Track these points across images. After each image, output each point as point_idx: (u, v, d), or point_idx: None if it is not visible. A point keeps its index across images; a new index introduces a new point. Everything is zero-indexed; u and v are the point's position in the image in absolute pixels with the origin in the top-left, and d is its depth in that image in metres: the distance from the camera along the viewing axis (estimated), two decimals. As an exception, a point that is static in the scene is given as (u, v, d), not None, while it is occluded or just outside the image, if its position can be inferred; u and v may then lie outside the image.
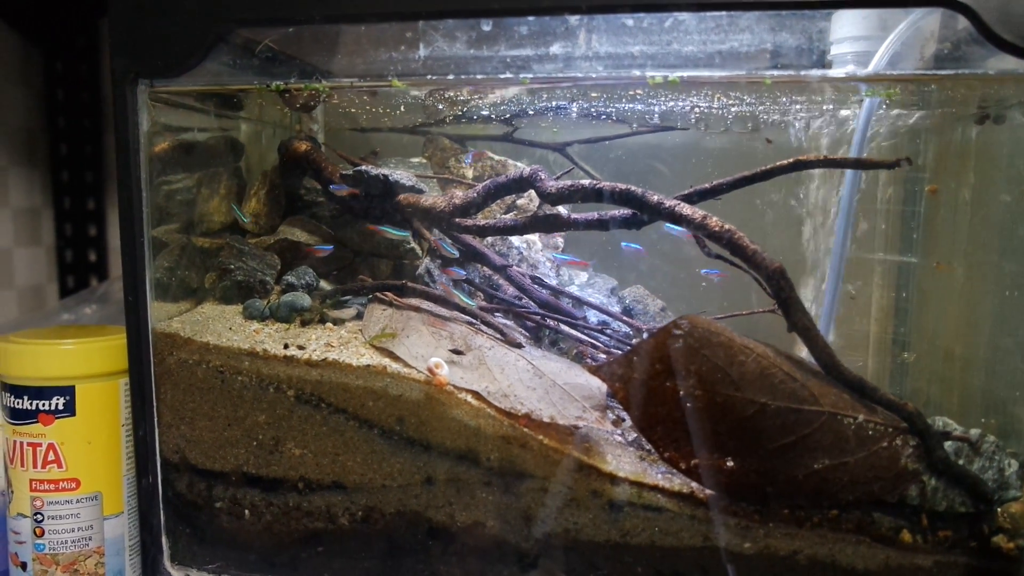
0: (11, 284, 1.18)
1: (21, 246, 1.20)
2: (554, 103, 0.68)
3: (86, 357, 0.64)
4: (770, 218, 0.76)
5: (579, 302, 0.75)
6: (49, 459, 0.63)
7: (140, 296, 0.62)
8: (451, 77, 0.57)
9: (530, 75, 0.55)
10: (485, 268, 0.74)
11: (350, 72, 0.59)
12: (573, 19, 0.53)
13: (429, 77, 0.58)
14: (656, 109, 0.67)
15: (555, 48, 0.55)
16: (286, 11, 0.56)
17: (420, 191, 0.72)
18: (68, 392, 0.63)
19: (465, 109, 0.75)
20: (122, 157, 0.61)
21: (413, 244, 0.74)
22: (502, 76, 0.56)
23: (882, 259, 0.76)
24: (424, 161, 0.82)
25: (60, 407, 0.63)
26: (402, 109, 0.73)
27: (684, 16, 0.52)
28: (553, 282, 0.76)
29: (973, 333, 0.66)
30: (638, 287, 0.83)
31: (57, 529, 0.64)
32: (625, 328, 0.75)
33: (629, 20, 0.53)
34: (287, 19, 0.58)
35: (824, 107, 0.68)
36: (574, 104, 0.67)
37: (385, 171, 0.71)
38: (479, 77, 0.56)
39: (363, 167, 0.71)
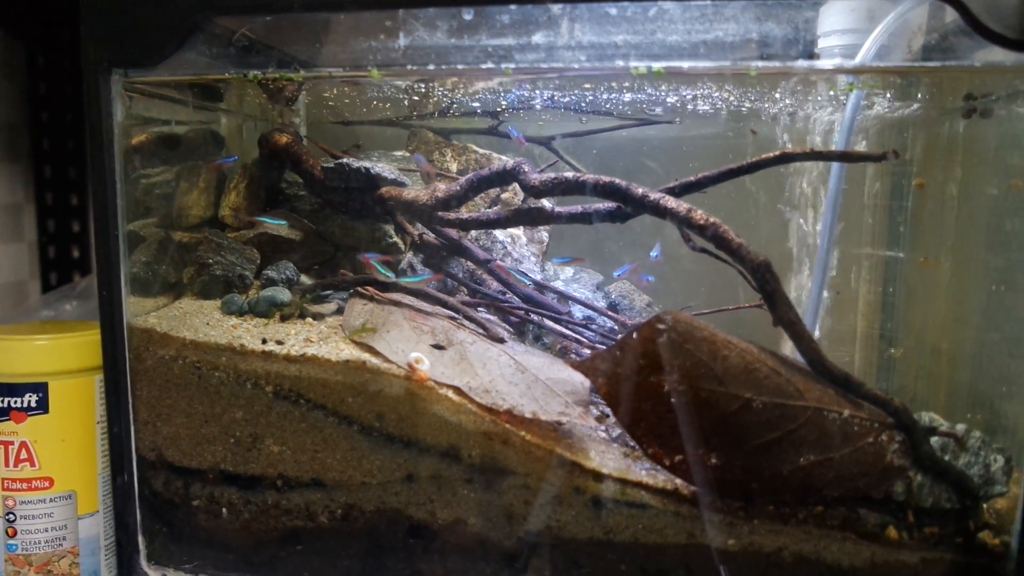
0: (-8, 280, 1.16)
1: (3, 242, 1.18)
2: (537, 93, 0.67)
3: (59, 353, 0.63)
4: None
5: (564, 297, 0.75)
6: (21, 457, 0.62)
7: (115, 290, 0.61)
8: (432, 67, 0.56)
9: (512, 65, 0.54)
10: (469, 262, 0.73)
11: (329, 62, 0.58)
12: (556, 7, 0.52)
13: (409, 67, 0.57)
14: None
15: (537, 37, 0.54)
16: (264, -1, 0.55)
17: (402, 184, 0.70)
18: (41, 389, 0.62)
19: (450, 102, 0.74)
20: (95, 149, 0.59)
21: (395, 239, 0.73)
22: (483, 66, 0.55)
23: (869, 254, 0.75)
24: (408, 154, 0.81)
25: (33, 404, 0.62)
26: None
27: (668, 5, 0.52)
28: (538, 277, 0.75)
29: (960, 328, 0.66)
30: (624, 282, 0.82)
31: (30, 529, 0.62)
32: (611, 323, 0.74)
33: (612, 9, 0.52)
34: (265, 7, 0.56)
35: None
36: (536, 100, 0.66)
37: (367, 164, 0.70)
38: (460, 67, 0.55)
39: (344, 160, 0.70)
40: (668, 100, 0.70)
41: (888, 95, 0.63)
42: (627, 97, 0.69)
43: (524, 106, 0.71)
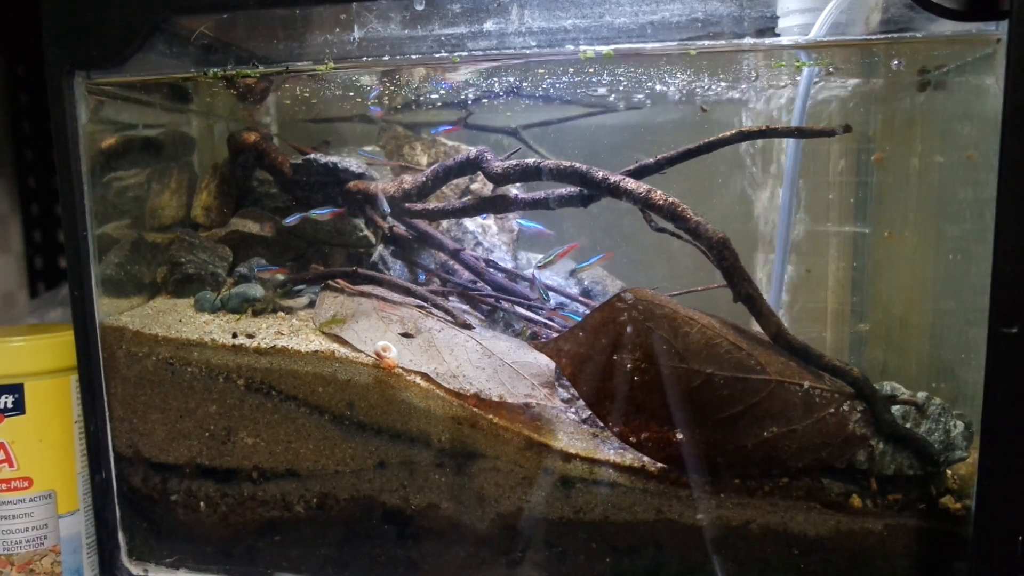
0: (-21, 292, 1.17)
1: (-11, 254, 1.19)
2: (501, 82, 0.67)
3: (35, 354, 0.64)
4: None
5: (534, 283, 0.75)
6: (0, 458, 0.63)
7: (86, 291, 0.62)
8: (387, 58, 0.56)
9: (464, 53, 0.55)
10: (440, 253, 0.74)
11: (287, 57, 0.59)
12: (505, -6, 0.53)
13: (365, 59, 0.58)
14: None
15: (488, 25, 0.55)
16: (221, -3, 0.56)
17: (370, 178, 0.71)
18: (17, 390, 0.63)
19: (419, 96, 0.75)
20: (61, 151, 0.60)
21: (366, 232, 0.74)
22: (436, 55, 0.55)
23: (837, 231, 0.76)
24: (378, 149, 0.82)
25: (9, 405, 0.63)
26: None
27: (615, -12, 0.52)
28: (509, 265, 0.76)
29: (924, 300, 0.67)
30: (598, 268, 0.82)
31: (11, 529, 0.63)
32: (583, 308, 0.74)
33: (560, -7, 0.53)
34: (222, 5, 0.57)
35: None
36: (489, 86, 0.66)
37: (334, 159, 0.70)
38: (414, 57, 0.56)
39: (312, 156, 0.71)
40: (635, 86, 0.70)
41: (838, 69, 0.64)
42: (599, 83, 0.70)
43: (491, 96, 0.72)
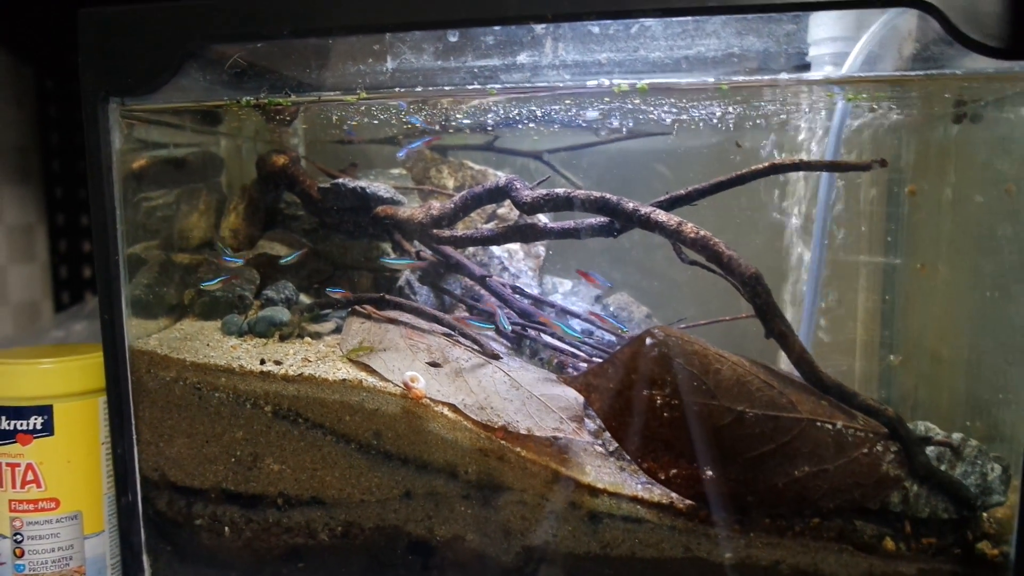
0: (6, 301, 1.18)
1: (15, 263, 1.20)
2: (534, 109, 0.67)
3: (64, 376, 0.64)
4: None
5: (563, 312, 0.75)
6: (28, 479, 0.63)
7: (116, 314, 0.62)
8: (419, 89, 0.56)
9: (497, 85, 0.55)
10: (467, 279, 0.74)
11: (320, 85, 0.59)
12: (539, 28, 0.53)
13: (398, 89, 0.58)
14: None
15: (522, 57, 0.55)
16: (254, 26, 0.56)
17: (398, 203, 0.71)
18: (46, 411, 0.63)
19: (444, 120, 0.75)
20: (95, 176, 0.61)
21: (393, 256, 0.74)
22: (469, 87, 0.55)
23: (867, 262, 0.75)
24: (404, 173, 0.82)
25: (38, 426, 0.63)
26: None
27: (650, 22, 0.52)
28: (535, 291, 0.75)
29: (957, 335, 0.66)
30: (623, 294, 0.82)
31: (37, 549, 0.64)
32: (609, 337, 0.74)
33: (595, 27, 0.52)
34: (256, 34, 0.58)
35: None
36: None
37: (363, 183, 0.70)
38: (447, 88, 0.56)
39: (340, 180, 0.71)
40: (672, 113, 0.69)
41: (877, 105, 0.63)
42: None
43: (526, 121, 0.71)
